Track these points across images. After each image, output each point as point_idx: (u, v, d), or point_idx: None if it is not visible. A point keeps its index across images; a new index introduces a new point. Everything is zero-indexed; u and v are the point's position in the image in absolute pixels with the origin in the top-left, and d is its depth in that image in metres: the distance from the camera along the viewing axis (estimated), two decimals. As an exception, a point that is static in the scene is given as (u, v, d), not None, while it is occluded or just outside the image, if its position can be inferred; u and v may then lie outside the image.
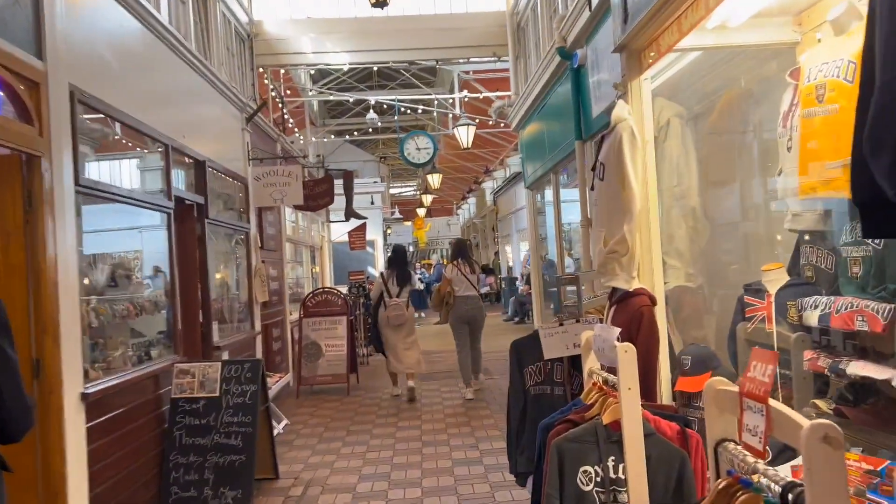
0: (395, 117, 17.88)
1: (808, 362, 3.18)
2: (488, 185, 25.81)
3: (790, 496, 1.53)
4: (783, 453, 2.78)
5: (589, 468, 2.75)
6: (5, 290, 3.84)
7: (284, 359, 10.68)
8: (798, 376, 3.25)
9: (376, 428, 7.94)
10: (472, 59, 12.57)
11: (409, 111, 18.03)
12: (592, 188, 4.08)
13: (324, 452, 7.02)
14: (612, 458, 2.72)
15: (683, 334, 4.34)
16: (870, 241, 3.00)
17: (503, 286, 23.30)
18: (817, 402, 3.23)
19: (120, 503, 4.78)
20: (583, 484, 2.74)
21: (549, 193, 10.06)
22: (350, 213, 12.48)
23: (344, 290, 12.72)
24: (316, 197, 10.60)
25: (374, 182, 22.83)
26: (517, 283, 21.34)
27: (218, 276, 7.83)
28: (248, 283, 8.89)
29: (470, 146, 15.37)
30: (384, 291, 9.77)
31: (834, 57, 3.06)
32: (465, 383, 9.41)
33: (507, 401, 4.47)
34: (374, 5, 9.22)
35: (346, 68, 15.01)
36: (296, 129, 15.32)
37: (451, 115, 16.38)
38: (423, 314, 19.85)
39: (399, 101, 16.76)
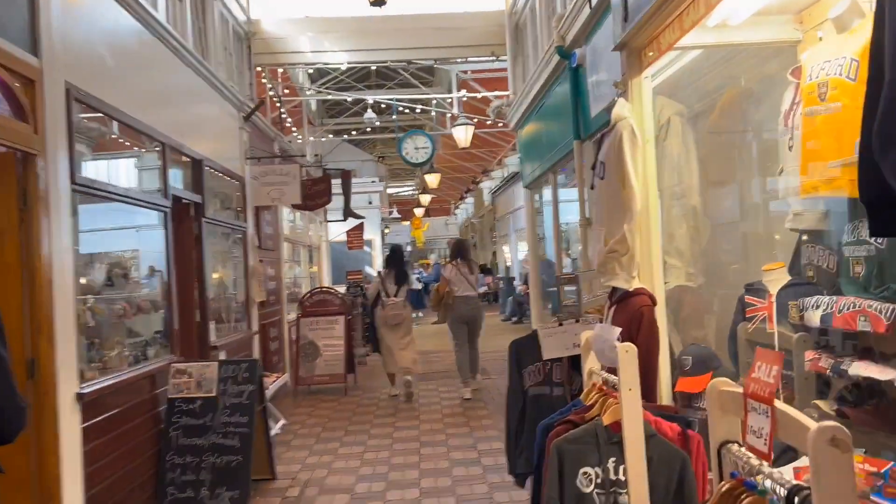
0: (394, 117, 17.85)
1: (809, 363, 3.16)
2: (486, 185, 25.78)
3: (796, 499, 1.51)
4: (785, 454, 2.76)
5: (589, 469, 2.72)
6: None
7: (282, 359, 10.65)
8: (800, 377, 3.23)
9: (374, 428, 7.91)
10: (470, 59, 12.54)
11: (407, 111, 17.99)
12: (592, 187, 4.06)
13: (321, 453, 6.99)
14: (613, 459, 2.70)
15: (684, 334, 4.31)
16: (872, 240, 2.98)
17: (501, 286, 23.27)
18: (819, 402, 3.21)
19: (116, 504, 4.76)
20: (583, 485, 2.71)
21: (547, 193, 10.03)
22: (348, 213, 12.46)
23: (342, 289, 12.69)
24: (314, 196, 10.56)
25: (373, 182, 22.82)
26: (515, 282, 21.33)
27: (215, 275, 7.80)
28: (245, 282, 8.86)
29: (468, 146, 15.35)
30: (382, 291, 9.77)
31: (836, 55, 3.03)
32: (464, 383, 9.39)
33: (506, 401, 4.45)
34: (372, 4, 9.19)
35: (344, 67, 14.97)
36: (294, 129, 15.28)
37: (449, 115, 16.35)
38: (420, 314, 19.83)
39: (397, 100, 16.73)
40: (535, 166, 9.61)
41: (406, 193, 31.40)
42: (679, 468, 2.70)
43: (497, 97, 14.14)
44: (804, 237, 3.63)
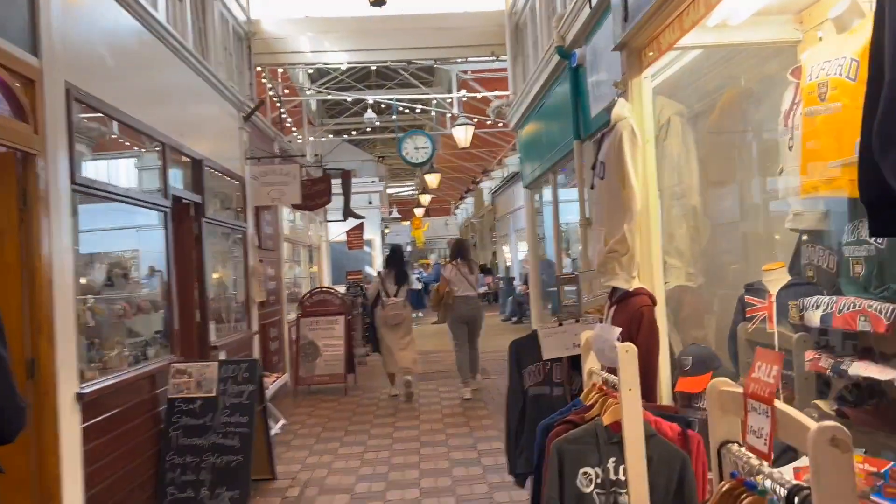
0: (394, 117, 17.84)
1: (809, 363, 3.15)
2: (486, 185, 25.78)
3: (796, 499, 1.50)
4: (785, 454, 2.76)
5: (589, 469, 2.72)
6: None
7: (282, 359, 10.65)
8: (800, 377, 3.23)
9: (374, 428, 7.91)
10: (470, 59, 12.54)
11: (407, 111, 17.99)
12: (593, 187, 4.06)
13: (321, 453, 6.99)
14: (613, 459, 2.70)
15: (683, 334, 4.31)
16: (872, 240, 2.98)
17: (501, 286, 23.28)
18: (818, 402, 3.21)
19: (116, 504, 4.75)
20: (583, 485, 2.71)
21: (547, 193, 10.03)
22: (348, 213, 12.45)
23: (342, 289, 12.69)
24: (314, 196, 10.56)
25: (373, 182, 22.81)
26: (515, 282, 21.33)
27: (215, 275, 7.79)
28: (245, 282, 8.86)
29: (468, 146, 15.34)
30: (382, 291, 9.77)
31: (836, 55, 3.03)
32: (463, 383, 9.39)
33: (506, 401, 4.45)
34: (372, 4, 9.19)
35: (344, 67, 14.97)
36: (294, 129, 15.28)
37: (449, 115, 16.34)
38: (420, 314, 19.83)
39: (397, 100, 16.73)
40: (535, 166, 9.61)
41: (406, 193, 31.40)
42: (679, 468, 2.70)
43: (497, 97, 14.14)
44: (804, 237, 3.63)
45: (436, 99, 17.03)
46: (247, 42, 9.85)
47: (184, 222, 6.69)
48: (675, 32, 3.47)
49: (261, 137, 10.24)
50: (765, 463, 1.69)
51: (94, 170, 5.26)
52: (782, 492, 1.57)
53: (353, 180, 13.36)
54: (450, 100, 15.87)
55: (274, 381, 9.26)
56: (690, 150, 4.35)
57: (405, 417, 8.38)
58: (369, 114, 17.04)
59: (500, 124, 14.61)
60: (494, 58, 11.14)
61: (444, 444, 7.08)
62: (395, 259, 10.12)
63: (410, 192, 30.43)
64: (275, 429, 7.56)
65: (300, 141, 15.33)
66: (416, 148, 14.95)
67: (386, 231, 28.04)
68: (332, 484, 5.99)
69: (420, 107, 17.44)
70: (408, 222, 32.57)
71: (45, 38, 4.13)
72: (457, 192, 30.49)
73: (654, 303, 3.58)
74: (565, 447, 2.75)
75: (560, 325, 4.04)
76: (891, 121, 1.44)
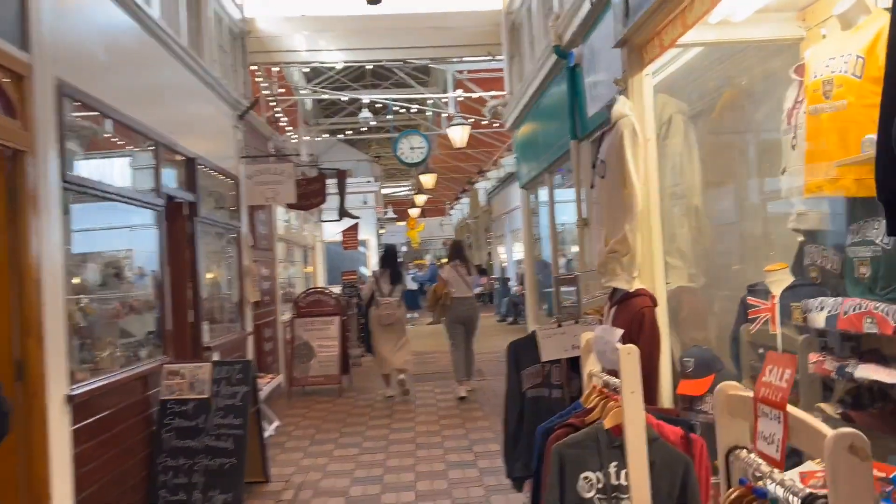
0: (389, 116, 17.78)
1: (813, 365, 3.10)
2: (482, 186, 25.75)
3: (812, 509, 1.45)
4: (789, 458, 2.70)
5: (590, 474, 2.67)
6: (-12, 288, 3.73)
7: (276, 359, 10.58)
8: (804, 380, 3.17)
9: (369, 430, 7.85)
10: (466, 58, 12.50)
11: (402, 111, 17.94)
12: (593, 186, 4.01)
13: (316, 455, 6.92)
14: (614, 463, 2.64)
15: (685, 336, 4.25)
16: (878, 240, 2.93)
17: (496, 286, 23.26)
18: (823, 406, 3.16)
19: (106, 507, 4.67)
20: (583, 490, 2.65)
21: (543, 193, 9.99)
22: (343, 213, 12.38)
23: (336, 290, 12.63)
24: (308, 196, 10.50)
25: (368, 182, 22.77)
26: (510, 283, 21.31)
27: (209, 275, 7.72)
28: (239, 282, 8.78)
29: (464, 146, 15.30)
30: (376, 291, 9.74)
31: (841, 52, 2.99)
32: (458, 381, 9.34)
33: (504, 403, 4.40)
34: (368, 3, 9.13)
35: (339, 67, 14.90)
36: (289, 128, 15.20)
37: (445, 115, 16.29)
38: (416, 314, 19.77)
39: (393, 100, 16.67)
40: (531, 167, 9.57)
41: (401, 194, 31.34)
42: (682, 473, 2.65)
43: (493, 97, 14.09)
44: (807, 237, 3.58)
45: (431, 99, 16.99)
46: (241, 40, 9.78)
47: (177, 222, 6.61)
48: (677, 29, 3.42)
49: (255, 136, 10.17)
50: (776, 470, 1.64)
51: (86, 168, 5.18)
52: (795, 501, 1.51)
53: (349, 180, 13.31)
54: (446, 100, 15.83)
55: (268, 383, 9.16)
56: (692, 148, 4.30)
57: (400, 419, 8.31)
58: (365, 113, 16.99)
59: (496, 124, 14.56)
60: (490, 57, 11.09)
61: (439, 446, 7.02)
62: (390, 259, 10.14)
63: (406, 193, 30.38)
64: (269, 430, 7.48)
65: (295, 140, 15.26)
66: (411, 148, 14.91)
67: (381, 231, 27.96)
68: (326, 487, 5.92)
69: (416, 107, 17.40)
70: (403, 222, 32.53)
71: (36, 32, 4.05)
72: (452, 193, 30.45)
73: (655, 304, 3.54)
74: (566, 451, 2.69)
75: (559, 326, 3.99)
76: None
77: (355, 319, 12.75)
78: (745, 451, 1.79)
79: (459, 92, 15.29)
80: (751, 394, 1.74)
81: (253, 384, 5.71)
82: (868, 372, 2.78)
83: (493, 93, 14.02)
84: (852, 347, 3.08)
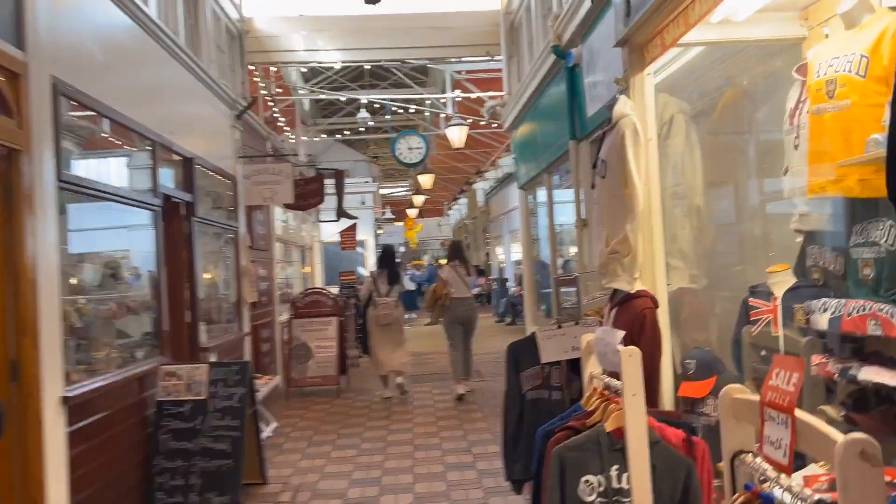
0: (387, 117, 17.76)
1: (816, 367, 3.07)
2: (480, 186, 25.74)
3: (821, 515, 1.42)
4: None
5: (591, 478, 2.64)
6: (-18, 289, 3.70)
7: (273, 360, 10.54)
8: (807, 381, 3.14)
9: (367, 431, 7.81)
10: (464, 59, 12.46)
11: (400, 111, 17.91)
12: (593, 186, 3.97)
13: (313, 456, 6.89)
14: (616, 467, 2.61)
15: (686, 337, 4.22)
16: (882, 241, 2.90)
17: (494, 287, 23.25)
18: (825, 408, 3.13)
19: (102, 510, 4.63)
20: (584, 494, 2.62)
21: (542, 194, 9.96)
22: (341, 213, 12.35)
23: (334, 290, 12.59)
24: (306, 196, 10.46)
25: (366, 182, 22.73)
26: (508, 283, 21.29)
27: (206, 275, 7.68)
28: (236, 283, 8.75)
29: (462, 146, 15.27)
30: (374, 291, 9.72)
31: (845, 51, 2.96)
32: (456, 380, 9.32)
33: (504, 405, 4.36)
34: (366, 2, 9.08)
35: (337, 67, 14.87)
36: (286, 128, 15.17)
37: (443, 116, 16.27)
38: (414, 314, 19.73)
39: (391, 100, 16.64)
40: (529, 167, 9.54)
41: (399, 194, 31.32)
42: (684, 476, 2.62)
43: (491, 97, 14.07)
44: (809, 238, 3.55)
45: (430, 99, 16.96)
46: (239, 40, 9.74)
47: (174, 222, 6.57)
48: (679, 27, 3.39)
49: (253, 136, 10.13)
50: (783, 475, 1.61)
51: (84, 168, 5.15)
52: (803, 507, 1.48)
53: (346, 180, 13.28)
54: (444, 100, 15.80)
55: (265, 384, 9.13)
56: (694, 148, 4.27)
57: (398, 420, 8.28)
58: (363, 114, 16.96)
59: (495, 125, 14.54)
60: (489, 57, 11.05)
61: (437, 447, 6.99)
62: (387, 259, 10.14)
63: (404, 193, 30.36)
64: (266, 432, 7.45)
65: (293, 140, 15.22)
66: (409, 148, 14.89)
67: (379, 232, 27.95)
68: (324, 488, 5.89)
69: (414, 107, 17.36)
70: (401, 223, 32.51)
71: (31, 30, 4.01)
72: (450, 193, 30.44)
73: (656, 305, 3.50)
74: (566, 454, 2.66)
75: (559, 327, 3.96)
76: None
77: (353, 320, 12.71)
78: (750, 455, 1.76)
79: (458, 92, 15.26)
80: (756, 398, 1.71)
81: (250, 385, 5.68)
82: (872, 374, 2.75)
83: (491, 93, 14.00)
84: (853, 349, 3.06)
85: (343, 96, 17.27)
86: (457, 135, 14.56)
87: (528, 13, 8.95)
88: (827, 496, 2.21)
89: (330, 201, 11.71)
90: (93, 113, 5.06)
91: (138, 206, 5.75)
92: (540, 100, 8.33)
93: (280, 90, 13.89)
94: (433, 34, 10.59)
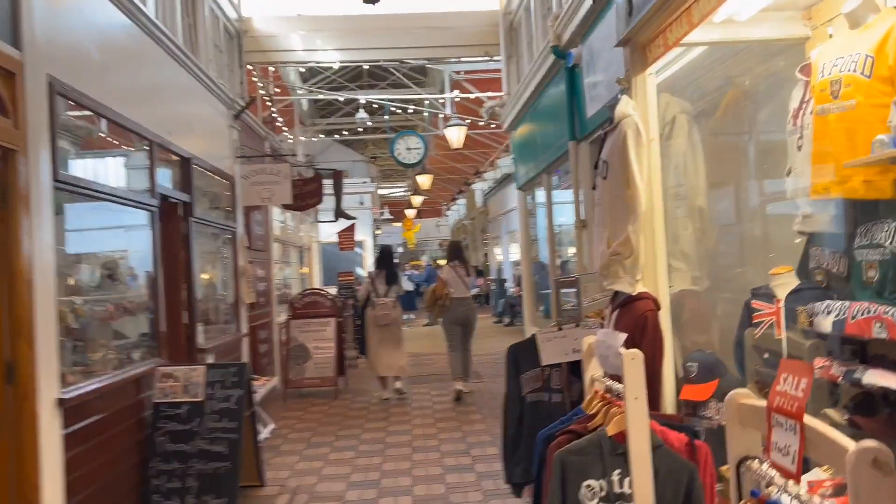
0: (386, 117, 17.72)
1: (820, 370, 3.04)
2: (478, 187, 25.71)
3: (832, 525, 1.39)
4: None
5: (593, 482, 2.61)
6: (-23, 290, 3.66)
7: (271, 361, 10.49)
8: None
9: (365, 433, 7.78)
10: (463, 59, 12.43)
11: (399, 111, 17.87)
12: (594, 187, 3.94)
13: (311, 458, 6.85)
14: (618, 471, 2.58)
15: (688, 340, 4.19)
16: (886, 243, 2.87)
17: (493, 287, 23.23)
18: (829, 411, 3.10)
19: (99, 513, 4.59)
20: (586, 499, 2.60)
21: (540, 195, 9.94)
22: (339, 214, 12.31)
23: (333, 291, 12.56)
24: (304, 196, 10.41)
25: (364, 182, 22.68)
26: (507, 284, 21.27)
27: (204, 276, 7.64)
28: (234, 283, 8.71)
29: (461, 147, 15.23)
30: (372, 291, 9.69)
31: (849, 51, 2.93)
32: (455, 378, 9.29)
33: (503, 407, 4.33)
34: (365, 2, 9.05)
35: (336, 67, 14.83)
36: (285, 128, 15.13)
37: (441, 116, 16.23)
38: (412, 315, 19.69)
39: (389, 100, 16.61)
40: (528, 167, 9.51)
41: (398, 194, 31.28)
42: (686, 481, 2.59)
43: (490, 98, 14.03)
44: (812, 240, 3.52)
45: (428, 99, 16.92)
46: (238, 40, 9.71)
47: (172, 222, 6.53)
48: (682, 27, 3.35)
49: (251, 136, 10.10)
50: (790, 482, 1.58)
51: (82, 168, 5.11)
52: (813, 515, 1.45)
53: (345, 181, 13.24)
54: (442, 100, 15.77)
55: (263, 385, 9.09)
56: (697, 149, 4.23)
57: (397, 422, 8.24)
58: (361, 114, 16.92)
59: (493, 125, 14.51)
60: (488, 58, 11.02)
61: (436, 449, 6.95)
62: (386, 260, 10.10)
63: (402, 194, 30.32)
64: (263, 434, 7.42)
65: (291, 141, 15.18)
66: (408, 148, 14.86)
67: (377, 232, 27.90)
68: (322, 491, 5.85)
69: (412, 107, 17.33)
70: (399, 223, 32.48)
71: (27, 29, 3.98)
72: (449, 194, 30.41)
73: (657, 307, 3.47)
74: (568, 458, 2.64)
75: (560, 329, 3.92)
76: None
77: (351, 321, 12.67)
78: (756, 461, 1.72)
79: (456, 92, 15.23)
80: (762, 403, 1.68)
81: (248, 387, 5.64)
82: (877, 378, 2.72)
83: (490, 94, 13.97)
84: (853, 350, 3.03)
85: (341, 96, 17.23)
86: (455, 135, 14.54)
87: (527, 13, 8.92)
88: (833, 501, 2.18)
89: (328, 202, 11.67)
90: (90, 112, 5.02)
91: (135, 207, 5.72)
92: (539, 100, 8.31)
93: (278, 90, 13.85)
94: (432, 34, 10.55)
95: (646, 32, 3.77)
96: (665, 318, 3.77)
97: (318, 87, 16.20)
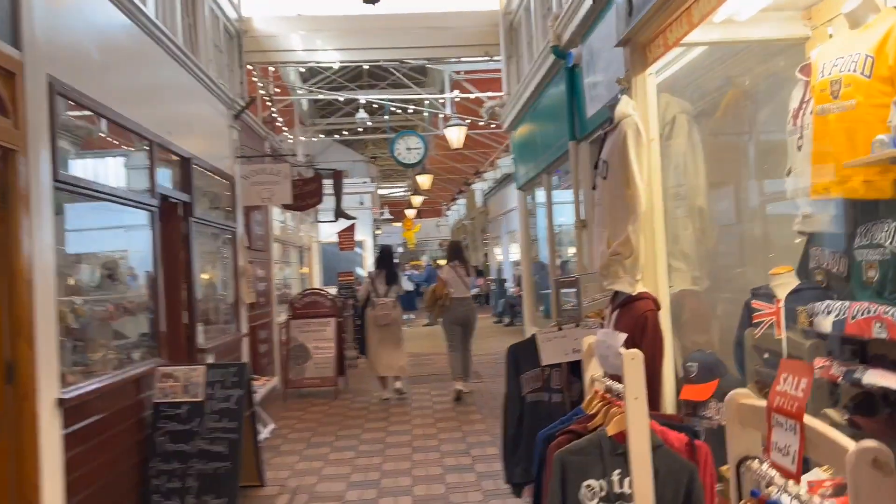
0: (386, 117, 17.71)
1: (819, 370, 3.04)
2: (478, 187, 25.71)
3: (832, 525, 1.39)
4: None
5: (593, 482, 2.61)
6: (-23, 290, 3.66)
7: (271, 361, 10.50)
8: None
9: (365, 433, 7.78)
10: (463, 59, 12.43)
11: (399, 111, 17.87)
12: (594, 187, 3.94)
13: (311, 458, 6.85)
14: (618, 471, 2.59)
15: (688, 340, 4.19)
16: (886, 243, 2.87)
17: (492, 287, 23.24)
18: (829, 411, 3.10)
19: (99, 513, 4.59)
20: (586, 499, 2.60)
21: (540, 195, 9.94)
22: (339, 214, 12.31)
23: (333, 291, 12.56)
24: (304, 196, 10.41)
25: (364, 182, 22.68)
26: (506, 284, 21.27)
27: (204, 276, 7.64)
28: (234, 283, 8.71)
29: (461, 147, 15.23)
30: (372, 291, 9.69)
31: (850, 51, 2.93)
32: (455, 378, 9.29)
33: (503, 407, 4.33)
34: (365, 2, 9.05)
35: (336, 67, 14.83)
36: (285, 129, 15.12)
37: (441, 116, 16.23)
38: (412, 315, 19.69)
39: (389, 100, 16.60)
40: (528, 167, 9.51)
41: (398, 194, 31.28)
42: (687, 481, 2.59)
43: (490, 98, 14.03)
44: (812, 240, 3.52)
45: (428, 99, 16.92)
46: (238, 39, 9.71)
47: (172, 222, 6.53)
48: (683, 27, 3.35)
49: (251, 136, 10.10)
50: (790, 482, 1.58)
51: (82, 168, 5.11)
52: (814, 515, 1.45)
53: (345, 181, 13.24)
54: (442, 100, 15.77)
55: (263, 385, 9.09)
56: (697, 149, 4.23)
57: (397, 422, 8.24)
58: (361, 114, 16.92)
59: (493, 125, 14.51)
60: (488, 58, 11.02)
61: (436, 449, 6.95)
62: (386, 260, 10.10)
63: (402, 194, 30.32)
64: (263, 434, 7.42)
65: (291, 141, 15.18)
66: (408, 149, 14.86)
67: (377, 232, 27.90)
68: (322, 491, 5.85)
69: (412, 107, 17.33)
70: (399, 223, 32.48)
71: (27, 29, 3.98)
72: (448, 194, 30.41)
73: (657, 307, 3.47)
74: (568, 458, 2.64)
75: (560, 329, 3.92)
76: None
77: (351, 321, 12.66)
78: (756, 461, 1.72)
79: (456, 92, 15.23)
80: (762, 403, 1.68)
81: (248, 387, 5.64)
82: (877, 378, 2.72)
83: (490, 94, 13.96)
84: (853, 350, 3.03)
85: (341, 96, 17.23)
86: (455, 135, 14.54)
87: (527, 13, 8.92)
88: (833, 501, 2.18)
89: (328, 202, 11.67)
90: (90, 112, 5.02)
91: (135, 207, 5.72)
92: (539, 100, 8.30)
93: (278, 90, 13.85)
94: (432, 34, 10.55)
95: (646, 32, 3.77)
96: (665, 318, 3.77)
97: (318, 87, 16.20)
